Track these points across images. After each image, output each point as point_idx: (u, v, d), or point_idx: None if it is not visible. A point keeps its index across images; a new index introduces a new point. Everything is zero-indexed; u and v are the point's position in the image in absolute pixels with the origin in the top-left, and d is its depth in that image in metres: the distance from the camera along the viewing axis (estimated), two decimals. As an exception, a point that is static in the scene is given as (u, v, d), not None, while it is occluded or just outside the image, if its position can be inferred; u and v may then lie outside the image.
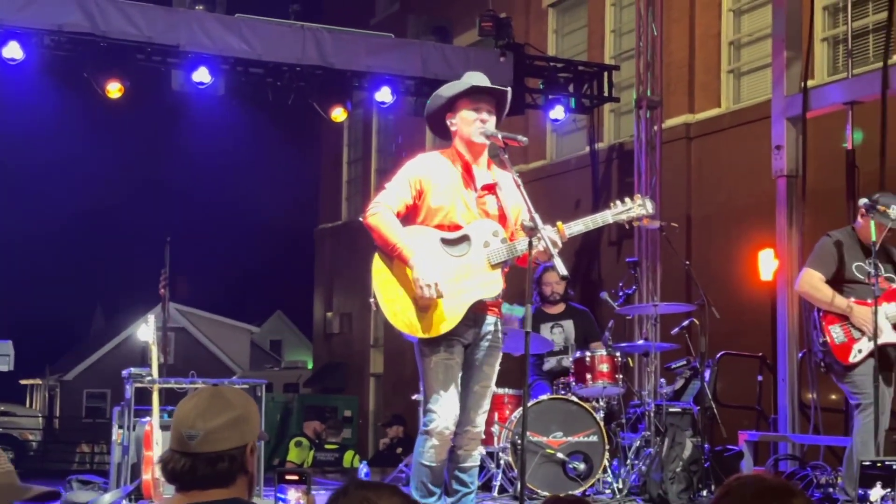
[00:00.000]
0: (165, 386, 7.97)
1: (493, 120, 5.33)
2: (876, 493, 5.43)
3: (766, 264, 10.68)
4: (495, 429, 7.72)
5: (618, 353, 8.03)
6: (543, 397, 7.76)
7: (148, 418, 7.42)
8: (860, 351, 6.46)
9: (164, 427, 7.14)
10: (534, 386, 8.38)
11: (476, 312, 5.24)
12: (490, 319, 5.34)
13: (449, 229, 5.25)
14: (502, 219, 5.33)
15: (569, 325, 8.76)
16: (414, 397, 8.05)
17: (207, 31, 10.66)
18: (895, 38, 9.21)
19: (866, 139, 9.42)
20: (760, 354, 10.40)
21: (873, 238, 6.34)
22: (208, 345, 39.40)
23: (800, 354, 9.07)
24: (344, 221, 20.44)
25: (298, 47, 11.00)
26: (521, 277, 5.17)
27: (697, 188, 12.43)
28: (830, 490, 7.29)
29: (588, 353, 8.02)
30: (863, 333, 6.46)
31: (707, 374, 8.59)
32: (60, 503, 7.70)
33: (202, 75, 10.67)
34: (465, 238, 5.23)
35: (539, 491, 7.40)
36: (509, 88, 5.48)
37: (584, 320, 8.85)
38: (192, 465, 2.86)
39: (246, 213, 45.73)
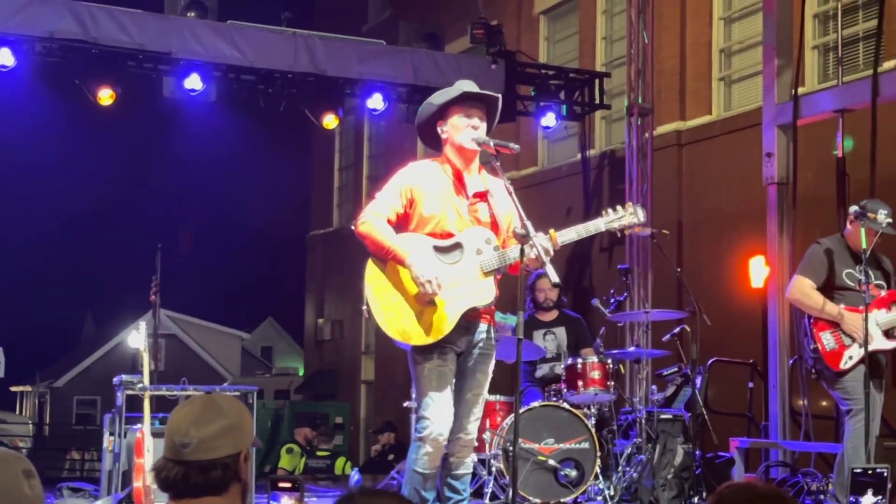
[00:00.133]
0: (156, 393, 7.95)
1: (484, 127, 5.33)
2: (867, 500, 5.44)
3: (757, 271, 10.71)
4: (487, 436, 7.71)
5: (609, 360, 8.04)
6: (535, 404, 7.76)
7: (139, 425, 7.40)
8: (851, 357, 6.48)
9: (155, 434, 7.12)
10: (525, 393, 8.38)
11: (468, 320, 5.25)
12: (482, 327, 5.34)
13: (441, 237, 5.25)
14: (494, 226, 5.34)
15: (561, 332, 8.77)
16: (405, 404, 8.05)
17: (199, 38, 10.66)
18: (885, 45, 9.24)
19: (856, 147, 9.45)
20: (751, 361, 10.42)
21: (864, 245, 6.36)
22: (199, 351, 39.32)
23: (791, 361, 9.08)
24: (335, 228, 20.44)
25: (290, 54, 11.01)
26: (513, 285, 5.18)
27: (688, 195, 12.45)
28: (821, 497, 7.31)
29: (579, 360, 8.02)
30: (853, 340, 6.49)
31: (698, 380, 8.60)
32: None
33: (194, 82, 10.67)
34: (457, 246, 5.24)
35: (530, 498, 7.39)
36: (500, 95, 5.49)
37: (577, 327, 8.85)
38: (185, 474, 2.86)
39: (237, 219, 45.70)
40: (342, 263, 18.82)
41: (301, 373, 25.33)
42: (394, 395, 15.21)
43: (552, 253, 5.07)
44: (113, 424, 7.78)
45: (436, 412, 5.17)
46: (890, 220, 6.53)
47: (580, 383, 7.92)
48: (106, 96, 10.32)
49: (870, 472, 5.48)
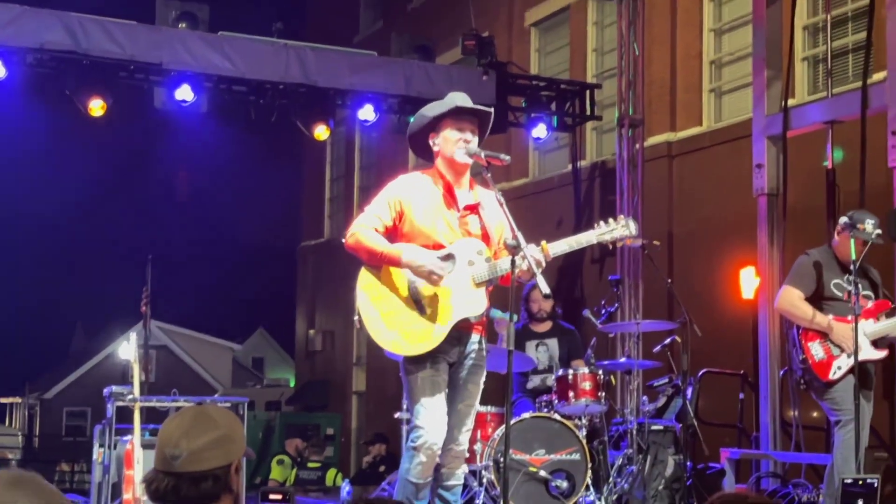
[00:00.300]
0: (147, 404, 7.94)
1: (475, 140, 5.34)
2: (857, 510, 5.44)
3: (748, 282, 10.73)
4: (478, 447, 7.70)
5: (600, 371, 8.04)
6: (526, 415, 7.76)
7: (129, 437, 7.38)
8: (839, 368, 6.50)
9: (145, 446, 7.11)
10: (517, 403, 8.37)
11: (460, 331, 5.25)
12: (474, 338, 5.34)
13: (432, 249, 5.26)
14: (485, 238, 5.34)
15: (553, 343, 8.76)
16: (396, 415, 8.04)
17: (190, 49, 10.67)
18: (874, 57, 9.28)
19: (846, 158, 9.48)
20: (742, 372, 10.43)
21: (853, 256, 6.39)
22: (190, 363, 39.25)
23: (781, 372, 9.10)
24: (326, 239, 20.43)
25: (281, 65, 11.02)
26: (505, 289, 5.18)
27: (679, 206, 12.48)
28: (812, 507, 7.32)
29: (570, 371, 8.02)
30: (842, 350, 6.51)
31: (689, 391, 8.61)
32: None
33: (185, 93, 10.67)
34: (449, 257, 5.24)
35: (522, 509, 7.39)
36: (492, 110, 5.50)
37: (571, 339, 8.84)
38: (176, 485, 2.85)
39: (228, 230, 45.64)
40: (333, 274, 18.81)
41: (292, 384, 25.29)
42: (385, 406, 15.20)
43: (543, 264, 5.07)
44: (103, 436, 7.76)
45: (429, 421, 5.17)
46: (879, 230, 6.56)
47: (571, 394, 7.92)
48: (97, 107, 10.31)
49: (860, 482, 5.49)
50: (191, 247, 44.02)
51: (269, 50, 11.06)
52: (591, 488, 7.66)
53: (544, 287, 4.97)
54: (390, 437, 13.89)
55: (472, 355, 5.33)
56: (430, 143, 5.40)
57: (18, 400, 40.22)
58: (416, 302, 5.19)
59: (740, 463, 9.15)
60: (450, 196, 5.34)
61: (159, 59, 10.57)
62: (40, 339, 44.65)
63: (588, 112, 12.84)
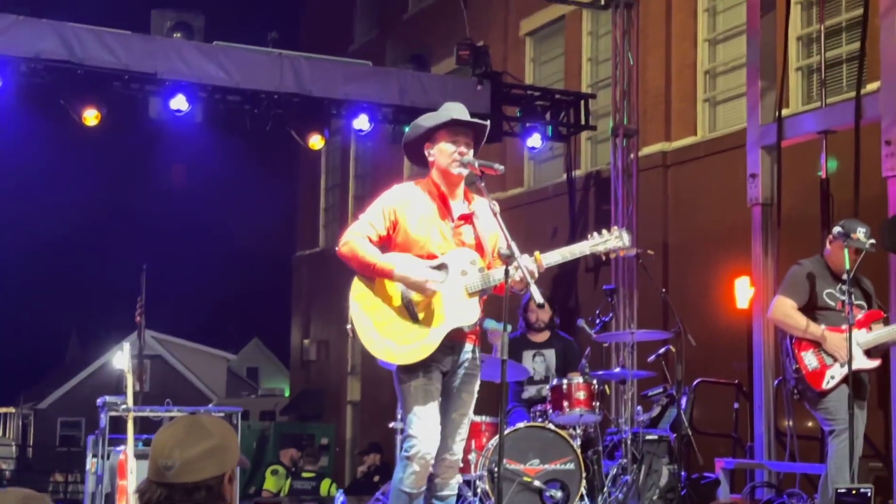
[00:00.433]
0: (140, 414, 7.92)
1: (471, 152, 5.35)
2: (851, 520, 5.44)
3: (743, 292, 10.73)
4: (472, 457, 7.70)
5: (594, 381, 8.04)
6: (520, 425, 7.75)
7: (122, 447, 7.36)
8: (833, 377, 6.51)
9: (139, 456, 7.09)
10: (512, 413, 8.37)
11: (453, 340, 5.25)
12: (468, 347, 5.34)
13: (426, 259, 5.25)
14: (479, 248, 5.34)
15: (550, 354, 8.75)
16: (391, 425, 8.02)
17: (185, 59, 10.67)
18: (868, 67, 9.31)
19: (840, 168, 9.50)
20: (737, 382, 10.43)
21: (847, 265, 6.39)
22: (185, 372, 39.21)
23: (776, 382, 9.10)
24: (321, 248, 20.42)
25: (276, 75, 11.03)
26: (501, 299, 5.18)
27: (674, 216, 12.49)
28: (807, 517, 7.32)
29: (565, 381, 8.02)
30: (835, 360, 6.52)
31: (683, 401, 8.61)
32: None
33: (179, 103, 10.67)
34: (442, 266, 5.24)
35: (516, 519, 7.37)
36: (488, 122, 5.50)
37: (568, 350, 8.82)
38: (169, 496, 2.84)
39: (223, 240, 45.65)
40: (328, 284, 18.80)
41: (287, 394, 25.25)
42: (380, 416, 15.16)
43: (536, 275, 5.08)
44: (96, 446, 7.74)
45: (423, 430, 5.16)
46: (872, 239, 6.57)
47: (565, 404, 7.92)
48: (91, 117, 10.31)
49: (854, 492, 5.49)
50: (185, 256, 43.99)
51: (264, 60, 11.07)
52: (586, 498, 7.65)
53: (538, 297, 4.97)
54: (385, 446, 13.87)
55: (466, 364, 5.32)
56: (426, 153, 5.40)
57: (13, 410, 40.14)
58: (409, 311, 5.19)
59: (735, 473, 9.15)
60: (444, 206, 5.34)
61: (154, 69, 10.58)
62: (35, 349, 44.59)
63: (583, 122, 12.86)
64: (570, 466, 7.60)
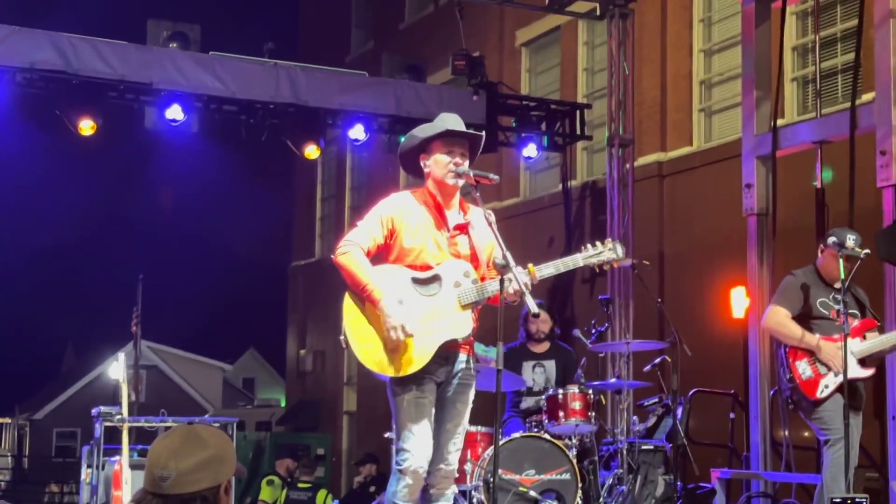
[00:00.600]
0: (135, 424, 7.91)
1: (466, 163, 5.35)
2: (847, 530, 5.44)
3: (738, 302, 10.74)
4: (468, 467, 7.69)
5: (590, 391, 8.03)
6: (516, 435, 7.75)
7: (117, 458, 7.35)
8: (827, 386, 6.51)
9: (134, 466, 7.08)
10: (508, 423, 8.36)
11: (447, 350, 5.24)
12: (462, 357, 5.33)
13: (420, 269, 5.25)
14: (474, 259, 5.34)
15: (551, 365, 8.74)
16: (387, 435, 8.01)
17: (181, 69, 10.68)
18: (863, 78, 9.32)
19: (835, 178, 9.51)
20: (732, 392, 10.42)
21: (842, 274, 6.40)
22: (180, 383, 39.13)
23: (771, 392, 9.10)
24: (317, 258, 20.42)
25: (272, 85, 11.04)
26: (496, 315, 5.17)
27: (669, 226, 12.50)
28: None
29: (560, 391, 8.02)
30: (829, 369, 6.52)
31: (679, 411, 8.61)
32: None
33: (175, 112, 10.68)
34: (435, 278, 5.23)
35: (512, 529, 7.36)
36: (483, 133, 5.51)
37: (568, 361, 8.81)
38: (163, 507, 2.84)
39: (219, 250, 45.65)
40: (324, 294, 18.79)
41: (283, 404, 25.20)
42: (375, 426, 15.14)
43: (530, 287, 5.08)
44: (91, 456, 7.73)
45: (415, 444, 5.15)
46: (867, 249, 6.57)
47: (561, 414, 7.92)
48: (87, 127, 10.31)
49: (849, 501, 5.49)
50: (181, 266, 43.98)
51: (260, 70, 11.08)
52: (582, 508, 7.64)
53: (533, 307, 4.97)
54: (381, 457, 13.85)
55: (460, 374, 5.31)
56: (421, 164, 5.40)
57: (8, 420, 40.03)
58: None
59: (731, 483, 9.13)
60: (440, 216, 5.34)
61: (150, 79, 10.58)
62: (31, 360, 44.53)
63: (578, 132, 12.88)
64: (566, 477, 7.60)
